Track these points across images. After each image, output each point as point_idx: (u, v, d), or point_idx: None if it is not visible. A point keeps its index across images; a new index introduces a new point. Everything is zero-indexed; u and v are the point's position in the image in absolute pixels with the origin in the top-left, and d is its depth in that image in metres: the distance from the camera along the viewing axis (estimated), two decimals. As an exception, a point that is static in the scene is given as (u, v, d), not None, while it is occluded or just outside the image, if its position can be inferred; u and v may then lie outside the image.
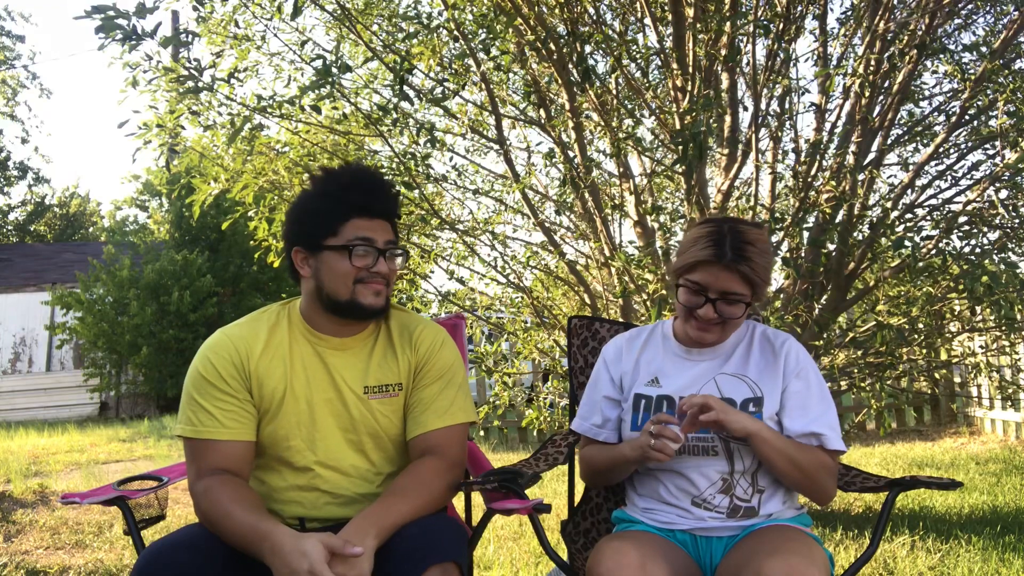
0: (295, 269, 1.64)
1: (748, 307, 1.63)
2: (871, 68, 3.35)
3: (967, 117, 3.66)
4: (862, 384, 3.88)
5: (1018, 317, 3.19)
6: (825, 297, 3.66)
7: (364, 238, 1.57)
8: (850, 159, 3.47)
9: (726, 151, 3.53)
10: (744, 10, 3.10)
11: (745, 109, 3.60)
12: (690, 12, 3.15)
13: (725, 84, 3.53)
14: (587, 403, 1.80)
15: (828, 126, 3.59)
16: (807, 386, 1.62)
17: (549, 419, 4.61)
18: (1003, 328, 3.52)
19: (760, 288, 1.60)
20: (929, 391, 6.55)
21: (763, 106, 3.51)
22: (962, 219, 3.48)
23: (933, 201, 3.85)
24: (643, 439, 1.54)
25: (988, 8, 4.01)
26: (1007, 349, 4.73)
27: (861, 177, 3.44)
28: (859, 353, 3.75)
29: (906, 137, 4.10)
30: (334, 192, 1.60)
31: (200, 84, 3.26)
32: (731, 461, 1.59)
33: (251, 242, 5.40)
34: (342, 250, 1.56)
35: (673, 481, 1.63)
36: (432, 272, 5.08)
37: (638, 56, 3.88)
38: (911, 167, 3.88)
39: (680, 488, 1.62)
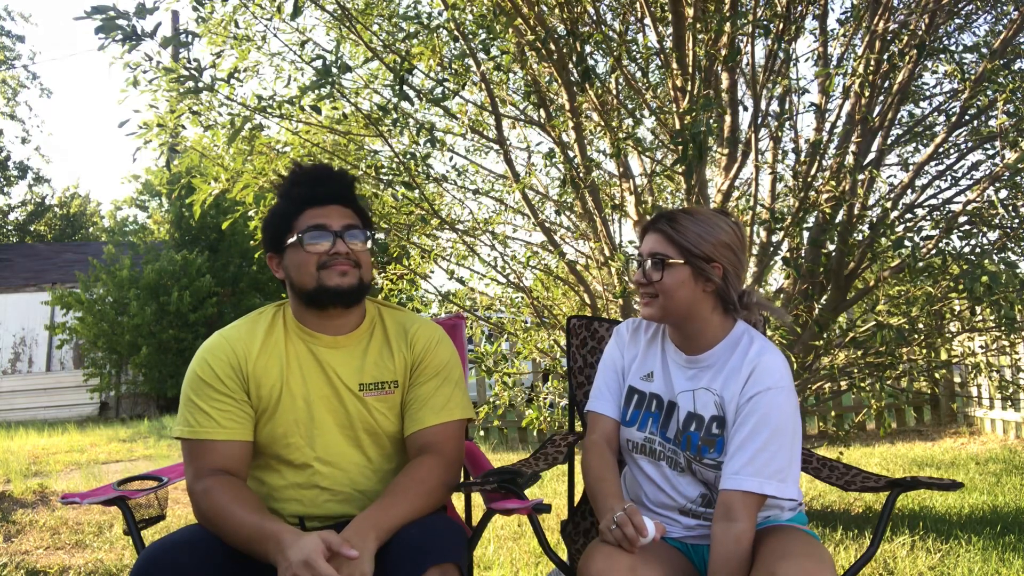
0: (276, 275, 1.68)
1: (691, 273, 1.57)
2: (871, 68, 3.35)
3: (967, 117, 3.66)
4: (862, 384, 3.88)
5: (1018, 317, 3.19)
6: (825, 297, 3.66)
7: (315, 225, 1.59)
8: (850, 159, 3.47)
9: (726, 151, 3.53)
10: (744, 10, 3.10)
11: (745, 109, 3.60)
12: (690, 12, 3.15)
13: (725, 84, 3.53)
14: (598, 385, 1.79)
15: (828, 126, 3.59)
16: (752, 413, 1.51)
17: (549, 419, 4.61)
18: (1003, 328, 3.51)
19: (694, 253, 1.57)
20: (929, 391, 6.55)
21: (763, 106, 3.51)
22: (962, 219, 3.48)
23: (933, 201, 3.85)
24: (606, 522, 1.46)
25: (988, 8, 4.01)
26: (1007, 349, 4.73)
27: (861, 177, 3.44)
28: (859, 353, 3.75)
29: (906, 137, 4.10)
30: (285, 191, 1.66)
31: (200, 84, 3.25)
32: (702, 481, 1.60)
33: (251, 242, 5.39)
34: (297, 242, 1.59)
35: (655, 493, 1.64)
36: (432, 272, 5.08)
37: (638, 56, 3.88)
38: (911, 167, 3.87)
39: (661, 501, 1.64)
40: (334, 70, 3.03)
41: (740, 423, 1.52)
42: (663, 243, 1.60)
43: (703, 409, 1.59)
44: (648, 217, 3.61)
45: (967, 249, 3.34)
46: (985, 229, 3.49)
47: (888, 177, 4.90)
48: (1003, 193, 3.51)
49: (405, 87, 3.26)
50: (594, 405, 1.76)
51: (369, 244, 1.66)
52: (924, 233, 3.70)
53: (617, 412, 1.73)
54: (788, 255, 3.41)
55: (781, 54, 3.43)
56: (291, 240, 1.60)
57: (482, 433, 7.16)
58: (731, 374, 1.58)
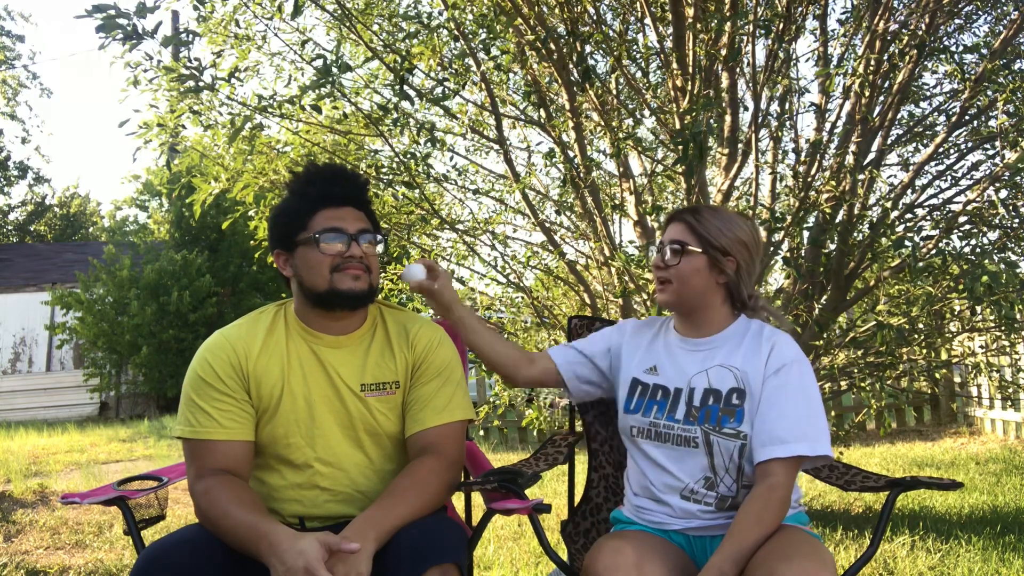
0: (282, 273, 1.67)
1: (707, 262, 1.67)
2: (871, 68, 3.35)
3: (967, 117, 3.66)
4: (862, 384, 3.88)
5: (1018, 317, 3.19)
6: (825, 297, 3.66)
7: (332, 227, 1.59)
8: (850, 159, 3.47)
9: (726, 151, 3.53)
10: (744, 10, 3.10)
11: (745, 109, 3.60)
12: (690, 12, 3.15)
13: (725, 84, 3.53)
14: (581, 340, 1.90)
15: (828, 126, 3.58)
16: (784, 384, 1.59)
17: (549, 419, 4.61)
18: (1003, 328, 3.51)
19: (712, 244, 1.66)
20: (929, 391, 6.55)
21: (763, 106, 3.51)
22: (962, 219, 3.48)
23: (933, 201, 3.85)
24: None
25: (988, 8, 4.01)
26: (1007, 349, 4.73)
27: (861, 177, 3.44)
28: (859, 353, 3.75)
29: (906, 137, 4.10)
30: (298, 189, 1.65)
31: (201, 83, 3.25)
32: (711, 455, 1.61)
33: (251, 242, 5.39)
34: (311, 242, 1.59)
35: (659, 476, 1.66)
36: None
37: (638, 56, 3.88)
38: (911, 167, 3.87)
39: (666, 483, 1.65)
40: (334, 70, 3.03)
41: (773, 393, 1.58)
42: (684, 232, 1.69)
43: (720, 384, 1.64)
44: (648, 216, 3.62)
45: (967, 249, 3.34)
46: (985, 229, 3.48)
47: (888, 177, 4.90)
48: (1003, 193, 3.50)
49: (405, 87, 3.26)
50: (557, 349, 1.88)
51: (380, 248, 1.66)
52: (924, 233, 3.70)
53: (565, 363, 1.85)
54: (788, 255, 3.41)
55: (781, 54, 3.43)
56: (305, 239, 1.60)
57: (482, 433, 7.16)
58: (750, 350, 1.65)
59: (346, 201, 1.64)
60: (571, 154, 3.75)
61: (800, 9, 3.30)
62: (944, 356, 4.47)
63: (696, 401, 1.64)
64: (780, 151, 3.72)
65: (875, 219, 3.57)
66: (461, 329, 1.84)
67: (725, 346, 1.68)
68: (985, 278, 2.76)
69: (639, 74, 4.22)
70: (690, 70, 3.14)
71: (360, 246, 1.60)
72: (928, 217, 3.76)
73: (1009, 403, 5.77)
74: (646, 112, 3.96)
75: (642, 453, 1.70)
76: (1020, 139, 3.29)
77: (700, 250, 1.66)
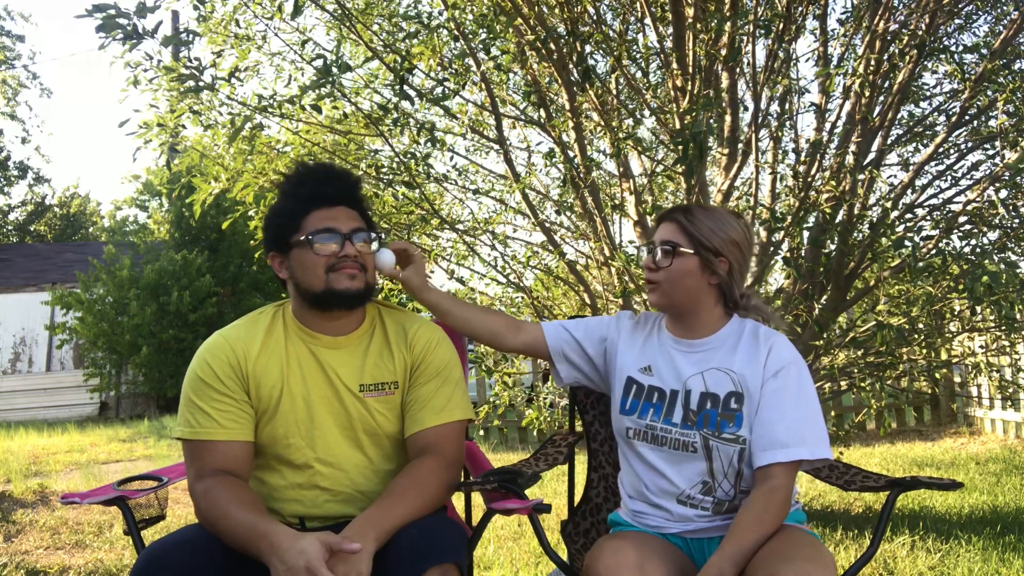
0: (278, 275, 1.67)
1: (699, 264, 1.64)
2: (871, 68, 3.35)
3: (967, 117, 3.66)
4: (862, 384, 3.88)
5: (1018, 317, 3.18)
6: (825, 297, 3.66)
7: (325, 227, 1.59)
8: (850, 159, 3.47)
9: (726, 151, 3.53)
10: (744, 10, 3.10)
11: (745, 109, 3.60)
12: (690, 12, 3.15)
13: (725, 84, 3.53)
14: (577, 321, 1.87)
15: (828, 126, 3.58)
16: (783, 387, 1.58)
17: (549, 419, 4.61)
18: (1003, 328, 3.51)
19: (704, 245, 1.63)
20: (929, 391, 6.55)
21: (763, 106, 3.51)
22: (962, 219, 3.48)
23: (933, 201, 3.85)
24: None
25: (988, 8, 4.01)
26: (1007, 349, 4.73)
27: (861, 177, 3.44)
28: (859, 353, 3.75)
29: (906, 137, 4.10)
30: (290, 190, 1.65)
31: (201, 83, 3.25)
32: (710, 460, 1.60)
33: (251, 242, 5.38)
34: (305, 243, 1.58)
35: (654, 480, 1.65)
36: (432, 272, 5.08)
37: (638, 56, 3.88)
38: (911, 167, 3.87)
39: (661, 488, 1.64)
40: (334, 70, 3.03)
41: (772, 396, 1.57)
42: (676, 232, 1.66)
43: (717, 388, 1.62)
44: (648, 216, 3.62)
45: (967, 249, 3.34)
46: (985, 229, 3.48)
47: (888, 177, 4.90)
48: (1003, 193, 3.50)
49: (405, 87, 3.26)
50: (551, 325, 1.84)
51: (374, 246, 1.66)
52: (924, 233, 3.70)
53: (555, 339, 1.81)
54: (788, 255, 3.41)
55: (781, 54, 3.43)
56: (299, 240, 1.59)
57: (482, 433, 7.16)
58: (748, 352, 1.63)
59: (338, 200, 1.63)
60: (571, 154, 3.74)
61: (800, 9, 3.30)
62: (944, 356, 4.47)
63: (693, 405, 1.62)
64: (780, 151, 3.72)
65: (875, 219, 3.57)
66: (435, 314, 1.83)
67: (722, 348, 1.66)
68: (985, 278, 2.76)
69: (639, 74, 4.22)
70: (690, 70, 3.14)
71: (354, 245, 1.60)
72: (928, 217, 3.76)
73: (1009, 403, 5.77)
74: (646, 112, 3.96)
75: (637, 456, 1.68)
76: (1020, 139, 3.29)
77: (692, 251, 1.64)
